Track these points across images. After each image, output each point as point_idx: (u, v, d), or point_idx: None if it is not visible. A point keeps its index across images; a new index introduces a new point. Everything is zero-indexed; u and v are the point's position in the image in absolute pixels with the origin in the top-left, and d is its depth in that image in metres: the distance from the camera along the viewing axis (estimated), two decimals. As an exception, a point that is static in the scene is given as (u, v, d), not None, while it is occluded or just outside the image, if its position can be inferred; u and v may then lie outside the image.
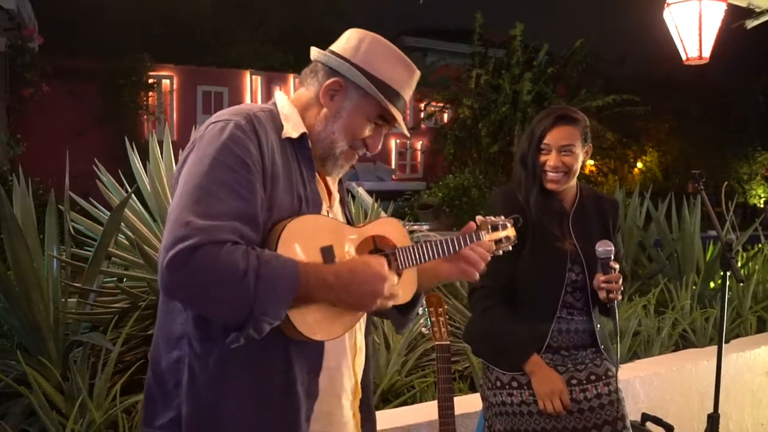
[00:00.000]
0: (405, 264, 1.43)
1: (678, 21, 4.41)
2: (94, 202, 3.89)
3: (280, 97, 1.45)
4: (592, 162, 15.60)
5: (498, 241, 1.61)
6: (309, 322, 1.26)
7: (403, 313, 1.60)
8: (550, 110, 2.21)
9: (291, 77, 14.79)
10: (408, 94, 1.46)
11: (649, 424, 2.73)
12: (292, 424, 1.32)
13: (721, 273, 2.39)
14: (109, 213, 3.43)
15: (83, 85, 11.95)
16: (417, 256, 1.45)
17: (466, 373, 3.46)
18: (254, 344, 1.22)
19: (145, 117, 12.72)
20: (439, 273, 1.55)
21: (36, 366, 2.64)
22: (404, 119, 1.49)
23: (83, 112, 11.96)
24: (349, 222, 1.54)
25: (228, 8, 16.33)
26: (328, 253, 1.31)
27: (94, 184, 3.82)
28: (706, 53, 4.42)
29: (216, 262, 1.15)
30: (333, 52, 1.44)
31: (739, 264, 5.35)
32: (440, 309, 2.12)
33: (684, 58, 4.53)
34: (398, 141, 15.82)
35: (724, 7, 4.38)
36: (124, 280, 3.36)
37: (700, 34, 4.35)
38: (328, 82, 1.41)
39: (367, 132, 1.44)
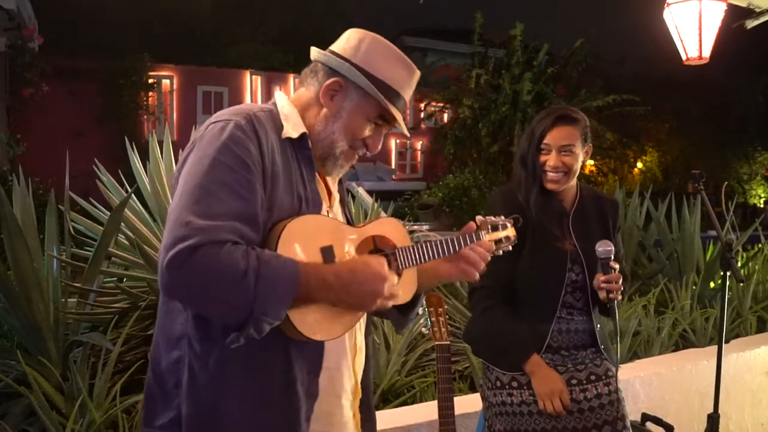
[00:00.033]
0: (405, 264, 1.43)
1: (678, 21, 4.41)
2: (94, 202, 3.89)
3: (280, 97, 1.45)
4: (592, 162, 15.60)
5: (498, 241, 1.61)
6: (309, 322, 1.26)
7: (404, 313, 1.60)
8: (550, 110, 2.21)
9: (291, 77, 14.79)
10: (408, 94, 1.46)
11: (649, 424, 2.73)
12: (292, 424, 1.32)
13: (721, 273, 2.39)
14: (109, 213, 3.43)
15: (83, 85, 11.95)
16: (417, 256, 1.45)
17: (466, 373, 3.46)
18: (254, 344, 1.22)
19: (145, 117, 12.72)
20: (439, 273, 1.55)
21: (36, 366, 2.64)
22: (404, 119, 1.49)
23: (83, 112, 11.95)
24: (349, 222, 1.54)
25: (228, 8, 16.33)
26: (328, 253, 1.31)
27: (94, 184, 3.82)
28: (706, 53, 4.43)
29: (216, 262, 1.15)
30: (333, 52, 1.43)
31: (739, 264, 5.35)
32: (440, 309, 2.12)
33: (684, 58, 4.53)
34: (398, 141, 15.82)
35: (724, 7, 4.38)
36: (124, 280, 3.36)
37: (700, 34, 4.35)
38: (328, 82, 1.40)
39: (367, 132, 1.44)
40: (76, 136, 11.14)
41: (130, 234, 3.31)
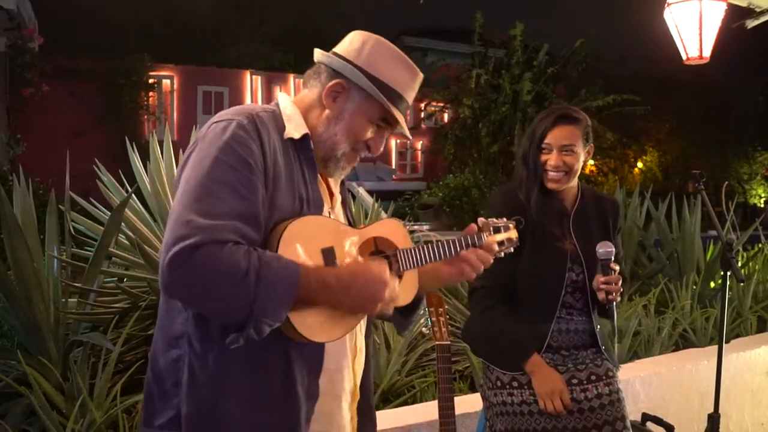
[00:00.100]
0: (406, 266, 1.43)
1: (678, 21, 4.41)
2: (95, 202, 3.89)
3: (282, 98, 1.45)
4: (592, 162, 15.59)
5: (500, 243, 1.60)
6: (309, 323, 1.26)
7: (406, 315, 1.60)
8: (551, 110, 2.21)
9: (291, 77, 14.78)
10: (410, 96, 1.46)
11: (649, 424, 2.73)
12: (292, 425, 1.32)
13: (722, 273, 2.39)
14: (109, 213, 3.43)
15: (83, 85, 11.94)
16: (418, 258, 1.45)
17: (467, 372, 3.46)
18: (254, 345, 1.22)
19: (145, 117, 12.71)
20: (440, 275, 1.55)
21: (36, 366, 2.64)
22: (405, 121, 1.49)
23: (83, 112, 11.95)
24: (351, 224, 1.53)
25: (228, 8, 16.32)
26: (329, 254, 1.31)
27: (95, 184, 3.81)
28: (707, 53, 4.43)
29: (217, 261, 1.15)
30: (336, 54, 1.43)
31: (740, 264, 5.35)
32: (441, 309, 2.12)
33: (684, 57, 4.53)
34: (398, 141, 15.82)
35: (724, 6, 4.38)
36: (125, 280, 3.36)
37: (700, 34, 4.35)
38: (330, 83, 1.40)
39: (369, 134, 1.44)
40: (77, 136, 11.13)
41: (130, 234, 3.30)
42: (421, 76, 1.48)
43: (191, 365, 1.28)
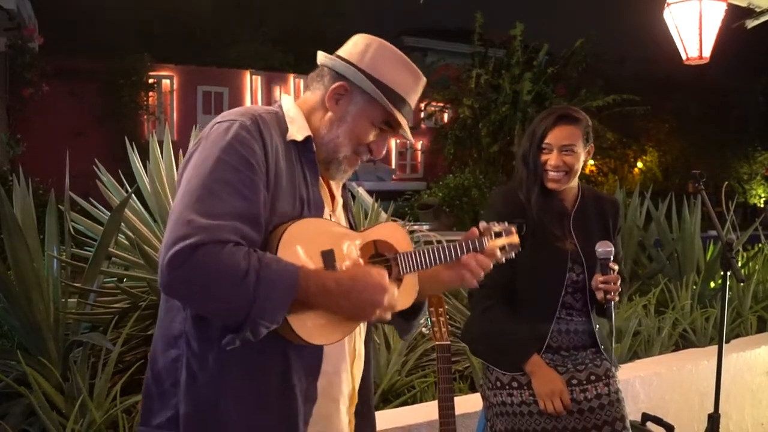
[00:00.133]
0: (406, 269, 1.43)
1: (678, 21, 4.41)
2: (94, 202, 3.88)
3: (285, 99, 1.45)
4: (592, 162, 15.60)
5: (501, 249, 1.59)
6: (308, 326, 1.26)
7: (407, 319, 1.59)
8: (551, 110, 2.21)
9: (291, 77, 14.79)
10: (414, 100, 1.46)
11: (649, 424, 2.73)
12: (289, 427, 1.32)
13: (722, 273, 2.39)
14: (109, 213, 3.43)
15: (83, 85, 11.95)
16: (418, 262, 1.44)
17: (467, 373, 3.46)
18: (253, 346, 1.22)
19: (145, 117, 12.72)
20: (441, 279, 1.53)
21: (36, 366, 2.64)
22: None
23: (83, 112, 11.96)
24: (352, 226, 1.53)
25: (228, 8, 16.33)
26: (328, 256, 1.30)
27: (94, 184, 3.81)
28: (707, 53, 4.43)
29: (217, 261, 1.15)
30: (340, 57, 1.43)
31: (740, 264, 5.35)
32: (441, 309, 2.12)
33: (684, 57, 4.53)
34: (398, 141, 15.82)
35: (724, 6, 4.38)
36: (125, 280, 3.36)
37: (700, 34, 4.35)
38: (333, 86, 1.40)
39: (371, 137, 1.43)
40: (76, 136, 11.14)
41: (130, 234, 3.30)
42: (424, 80, 1.48)
43: (190, 365, 1.28)
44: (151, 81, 12.78)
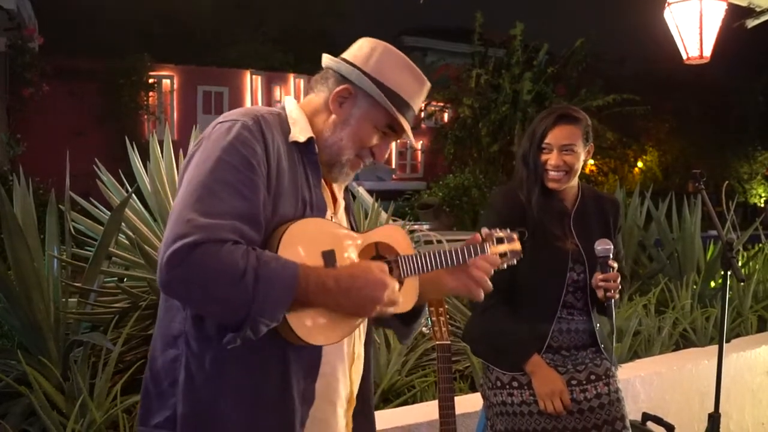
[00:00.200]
0: (407, 272, 1.42)
1: (679, 20, 4.41)
2: (95, 202, 3.88)
3: (288, 101, 1.45)
4: (592, 162, 15.62)
5: (502, 255, 1.58)
6: (307, 326, 1.25)
7: (406, 323, 1.59)
8: (551, 109, 2.21)
9: (291, 77, 14.80)
10: (418, 105, 1.45)
11: (649, 424, 2.73)
12: (286, 428, 1.32)
13: (722, 272, 2.39)
14: (109, 213, 3.43)
15: (83, 85, 11.96)
16: (419, 265, 1.44)
17: (467, 372, 3.46)
18: (251, 346, 1.22)
19: (145, 117, 12.74)
20: (442, 286, 1.53)
21: (36, 366, 2.64)
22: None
23: (83, 112, 11.97)
24: (354, 228, 1.53)
25: (228, 8, 16.34)
26: (329, 257, 1.30)
27: (95, 183, 3.81)
28: (707, 53, 4.43)
29: (216, 260, 1.15)
30: (344, 60, 1.43)
31: (740, 263, 5.35)
32: (441, 309, 2.12)
33: (685, 57, 4.53)
34: (398, 141, 15.81)
35: (724, 6, 4.38)
36: (125, 279, 3.36)
37: (701, 34, 4.35)
38: (337, 88, 1.40)
39: (374, 140, 1.43)
40: (77, 136, 11.15)
41: (130, 234, 3.30)
42: (428, 84, 1.48)
43: (188, 365, 1.28)
44: (151, 81, 12.80)
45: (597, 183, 16.16)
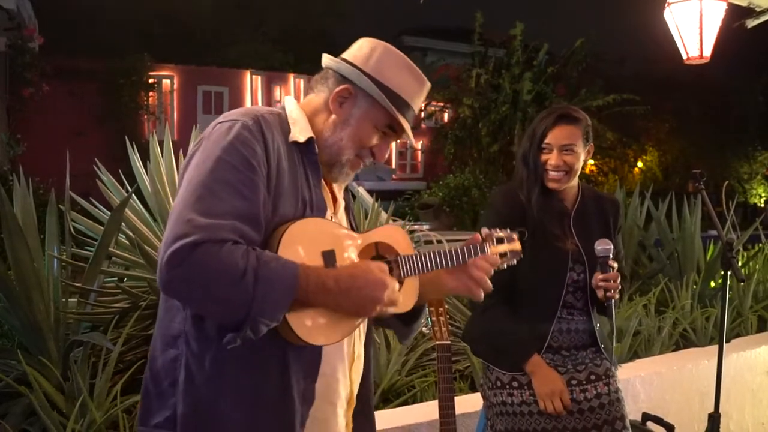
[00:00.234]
0: (407, 272, 1.42)
1: (679, 20, 4.41)
2: (95, 202, 3.88)
3: (288, 101, 1.45)
4: (592, 162, 15.62)
5: (502, 255, 1.58)
6: (307, 326, 1.25)
7: (406, 323, 1.59)
8: (551, 109, 2.21)
9: (291, 77, 14.81)
10: (418, 105, 1.46)
11: (649, 424, 2.73)
12: (286, 428, 1.32)
13: (722, 272, 2.39)
14: (109, 213, 3.43)
15: (83, 85, 11.97)
16: (419, 265, 1.44)
17: (467, 372, 3.46)
18: (251, 346, 1.22)
19: (145, 117, 12.74)
20: (442, 286, 1.53)
21: (36, 366, 2.64)
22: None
23: (83, 112, 11.97)
24: (354, 229, 1.53)
25: (228, 8, 16.35)
26: (329, 257, 1.30)
27: (95, 183, 3.81)
28: (707, 53, 4.43)
29: (216, 260, 1.15)
30: (344, 60, 1.43)
31: (740, 263, 5.35)
32: (441, 308, 2.12)
33: (685, 57, 4.53)
34: (398, 141, 15.82)
35: (724, 6, 4.38)
36: (125, 279, 3.36)
37: (701, 34, 4.35)
38: (338, 89, 1.40)
39: (374, 141, 1.43)
40: (77, 136, 11.16)
41: (130, 234, 3.30)
42: (428, 84, 1.48)
43: (188, 365, 1.28)
44: (151, 81, 12.81)
45: (597, 183, 16.16)
